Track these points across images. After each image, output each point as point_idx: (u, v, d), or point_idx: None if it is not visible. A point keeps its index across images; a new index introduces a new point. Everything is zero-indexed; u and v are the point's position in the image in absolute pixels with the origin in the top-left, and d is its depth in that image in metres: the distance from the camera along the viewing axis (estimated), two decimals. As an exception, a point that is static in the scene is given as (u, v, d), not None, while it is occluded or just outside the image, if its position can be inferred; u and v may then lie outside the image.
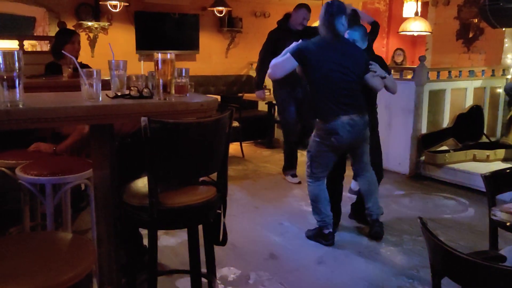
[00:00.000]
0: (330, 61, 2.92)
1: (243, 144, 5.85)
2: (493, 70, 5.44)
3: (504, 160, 4.62)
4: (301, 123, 4.65)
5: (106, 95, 1.79)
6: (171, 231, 3.16)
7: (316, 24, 4.01)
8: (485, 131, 5.07)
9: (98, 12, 6.38)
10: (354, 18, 3.27)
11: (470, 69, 5.25)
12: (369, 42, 3.34)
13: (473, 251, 2.42)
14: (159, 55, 1.80)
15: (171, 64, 1.82)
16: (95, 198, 1.94)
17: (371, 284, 2.65)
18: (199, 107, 1.81)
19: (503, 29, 5.23)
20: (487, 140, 4.99)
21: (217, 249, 2.15)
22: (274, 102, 6.26)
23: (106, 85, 1.85)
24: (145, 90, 1.82)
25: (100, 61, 5.83)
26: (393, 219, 3.61)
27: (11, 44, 5.95)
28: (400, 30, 6.28)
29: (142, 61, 6.61)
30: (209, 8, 6.83)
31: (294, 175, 4.61)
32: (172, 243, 3.08)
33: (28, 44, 6.33)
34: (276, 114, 6.47)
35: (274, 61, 3.04)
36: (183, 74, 1.87)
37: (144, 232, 2.11)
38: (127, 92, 1.83)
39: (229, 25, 7.37)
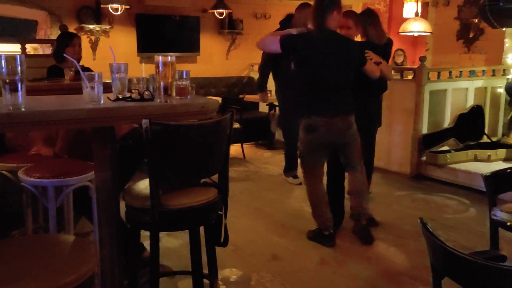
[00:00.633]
0: (316, 58, 2.89)
1: (244, 146, 5.86)
2: (493, 70, 5.44)
3: (506, 160, 4.61)
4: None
5: (108, 97, 1.80)
6: (172, 232, 3.17)
7: None
8: (486, 131, 5.07)
9: (99, 15, 6.40)
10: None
11: (471, 69, 5.24)
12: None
13: (474, 251, 2.42)
14: (160, 58, 1.81)
15: (172, 67, 1.83)
16: (97, 200, 1.95)
17: (372, 285, 2.65)
18: (200, 109, 1.82)
19: (503, 29, 5.23)
20: (488, 140, 4.98)
21: (219, 250, 2.16)
22: (276, 103, 6.29)
23: (107, 87, 1.86)
24: (146, 92, 1.83)
25: (101, 64, 5.84)
26: (394, 220, 3.61)
27: (13, 48, 5.97)
28: (400, 30, 6.28)
29: (143, 64, 6.63)
30: (209, 10, 6.84)
31: (295, 176, 4.61)
32: (173, 245, 3.09)
33: (30, 48, 6.35)
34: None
35: (267, 35, 3.09)
36: (184, 77, 1.88)
37: (144, 233, 2.12)
38: (128, 94, 1.84)
39: (230, 27, 7.38)
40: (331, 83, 2.92)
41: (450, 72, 5.09)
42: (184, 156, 1.80)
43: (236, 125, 5.46)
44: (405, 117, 4.79)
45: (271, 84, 6.50)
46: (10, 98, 1.47)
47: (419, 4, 6.35)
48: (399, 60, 7.52)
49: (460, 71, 5.21)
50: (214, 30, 7.39)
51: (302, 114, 3.01)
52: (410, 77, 4.96)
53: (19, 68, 1.46)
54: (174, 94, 1.86)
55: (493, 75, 5.41)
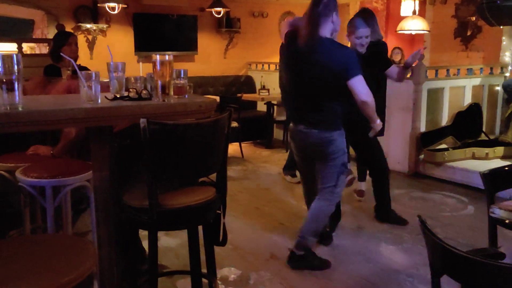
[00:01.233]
0: (292, 65, 2.71)
1: (243, 145, 5.86)
2: (491, 68, 5.45)
3: (503, 157, 4.62)
4: None
5: (105, 97, 1.80)
6: (171, 232, 3.17)
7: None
8: (484, 129, 5.08)
9: (96, 14, 6.38)
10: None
11: (469, 67, 5.26)
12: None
13: (473, 248, 2.42)
14: (157, 57, 1.80)
15: (170, 66, 1.82)
16: (95, 200, 1.94)
17: (371, 283, 2.65)
18: (197, 108, 1.82)
19: (501, 27, 5.24)
20: (486, 138, 4.99)
21: (217, 249, 2.15)
22: (273, 102, 6.29)
23: (105, 87, 1.86)
24: (144, 91, 1.83)
25: (99, 63, 5.83)
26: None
27: (10, 47, 5.95)
28: (398, 29, 6.29)
29: (140, 63, 6.61)
30: (207, 9, 6.83)
31: (294, 175, 4.61)
32: (172, 244, 3.08)
33: (27, 47, 6.33)
34: (275, 114, 6.48)
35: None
36: (182, 75, 1.88)
37: (143, 233, 2.11)
38: (126, 94, 1.84)
39: (227, 26, 7.37)
40: (302, 93, 2.67)
41: (448, 70, 5.10)
42: (182, 156, 1.79)
43: (234, 124, 5.45)
44: (403, 115, 4.80)
45: (269, 82, 6.51)
46: (7, 98, 1.47)
47: (417, 2, 6.36)
48: (397, 58, 7.53)
49: (458, 69, 5.22)
50: (212, 29, 7.38)
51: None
52: (408, 75, 4.95)
53: (15, 67, 1.46)
54: (171, 93, 1.86)
55: (491, 73, 5.42)
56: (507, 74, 5.46)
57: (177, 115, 1.78)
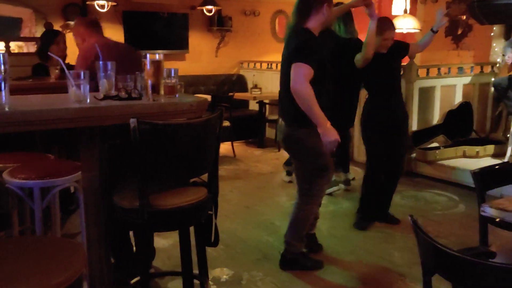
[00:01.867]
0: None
1: (234, 144, 5.84)
2: (481, 67, 5.48)
3: (494, 156, 4.66)
4: None
5: (94, 96, 1.77)
6: (162, 233, 3.14)
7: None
8: (474, 127, 5.11)
9: (85, 12, 6.31)
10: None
11: (459, 66, 5.28)
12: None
13: (464, 247, 2.44)
14: (147, 56, 1.78)
15: (160, 65, 1.80)
16: (85, 201, 1.92)
17: (363, 282, 2.66)
18: (188, 107, 1.80)
19: (493, 27, 5.28)
20: (476, 136, 5.03)
21: (209, 250, 2.14)
22: (265, 101, 6.28)
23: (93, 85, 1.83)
24: (134, 91, 1.80)
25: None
26: (384, 216, 3.62)
27: (-3, 45, 5.87)
28: (389, 27, 6.29)
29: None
30: (198, 7, 6.80)
31: (289, 173, 4.54)
32: (163, 245, 3.06)
33: (14, 46, 6.25)
34: (267, 113, 6.47)
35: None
36: (172, 75, 1.86)
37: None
38: (115, 93, 1.81)
39: (219, 24, 7.34)
40: (280, 80, 2.63)
41: (438, 69, 5.12)
42: (173, 156, 1.77)
43: (226, 123, 5.44)
44: (395, 114, 4.80)
45: (261, 81, 6.49)
46: (-7, 98, 1.44)
47: (408, 1, 6.37)
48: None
49: (449, 68, 5.24)
50: (203, 27, 7.34)
51: None
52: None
53: (2, 67, 1.43)
54: (162, 92, 1.84)
55: (481, 71, 5.46)
56: (497, 71, 5.50)
57: (168, 114, 1.76)
